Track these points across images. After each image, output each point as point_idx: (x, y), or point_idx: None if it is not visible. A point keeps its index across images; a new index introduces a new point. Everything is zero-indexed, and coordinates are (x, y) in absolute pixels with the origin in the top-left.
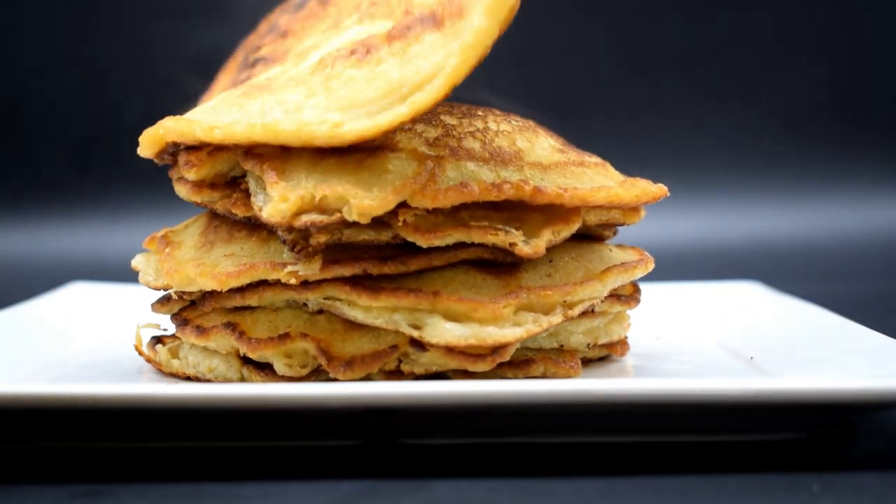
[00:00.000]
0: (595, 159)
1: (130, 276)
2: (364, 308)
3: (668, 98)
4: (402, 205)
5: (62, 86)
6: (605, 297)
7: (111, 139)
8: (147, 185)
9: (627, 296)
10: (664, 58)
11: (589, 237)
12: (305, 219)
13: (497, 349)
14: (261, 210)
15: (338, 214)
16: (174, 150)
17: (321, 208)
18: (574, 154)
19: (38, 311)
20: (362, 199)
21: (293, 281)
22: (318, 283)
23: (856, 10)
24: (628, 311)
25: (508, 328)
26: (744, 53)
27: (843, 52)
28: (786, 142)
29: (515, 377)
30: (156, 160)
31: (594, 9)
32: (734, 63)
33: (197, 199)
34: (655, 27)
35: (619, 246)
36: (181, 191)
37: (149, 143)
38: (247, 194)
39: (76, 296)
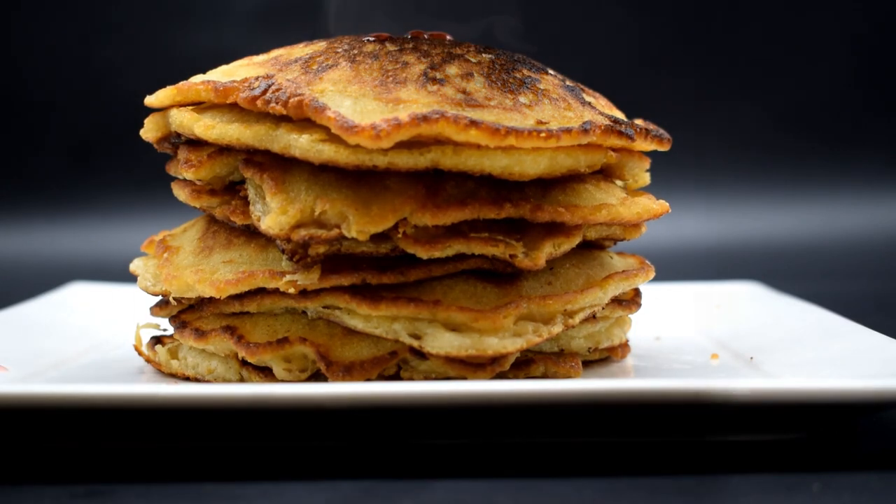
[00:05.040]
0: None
1: (130, 277)
2: (363, 317)
3: (668, 98)
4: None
5: (63, 86)
6: (606, 303)
7: (111, 140)
8: (147, 186)
9: (628, 300)
10: (663, 57)
11: (590, 244)
12: (304, 233)
13: (497, 358)
14: (259, 220)
15: (336, 230)
16: (175, 142)
17: (320, 222)
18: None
19: (38, 311)
20: (361, 217)
21: (292, 290)
22: (318, 292)
23: (856, 9)
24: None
25: (509, 338)
26: (743, 53)
27: (843, 51)
28: (786, 142)
29: (516, 377)
30: (156, 146)
31: (593, 7)
32: (734, 63)
33: (196, 203)
34: (654, 25)
35: (620, 254)
36: (180, 194)
37: (153, 126)
38: (246, 202)
39: (76, 296)
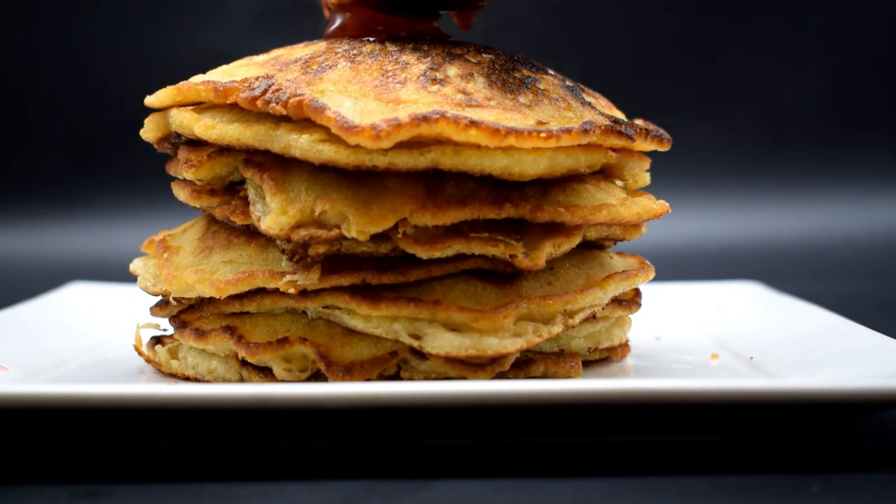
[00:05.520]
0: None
1: (130, 277)
2: (363, 317)
3: (668, 98)
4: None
5: (63, 86)
6: (606, 303)
7: (111, 140)
8: (147, 185)
9: (628, 300)
10: (663, 57)
11: (590, 244)
12: (304, 233)
13: (497, 358)
14: (259, 220)
15: (336, 230)
16: (175, 142)
17: (320, 223)
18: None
19: (38, 311)
20: (361, 217)
21: (292, 290)
22: (318, 292)
23: (855, 10)
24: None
25: (508, 339)
26: (743, 53)
27: (842, 51)
28: (786, 142)
29: (516, 377)
30: (156, 146)
31: (594, 7)
32: (734, 63)
33: (196, 203)
34: (655, 27)
35: (620, 254)
36: (180, 194)
37: (153, 126)
38: (246, 202)
39: (76, 296)
